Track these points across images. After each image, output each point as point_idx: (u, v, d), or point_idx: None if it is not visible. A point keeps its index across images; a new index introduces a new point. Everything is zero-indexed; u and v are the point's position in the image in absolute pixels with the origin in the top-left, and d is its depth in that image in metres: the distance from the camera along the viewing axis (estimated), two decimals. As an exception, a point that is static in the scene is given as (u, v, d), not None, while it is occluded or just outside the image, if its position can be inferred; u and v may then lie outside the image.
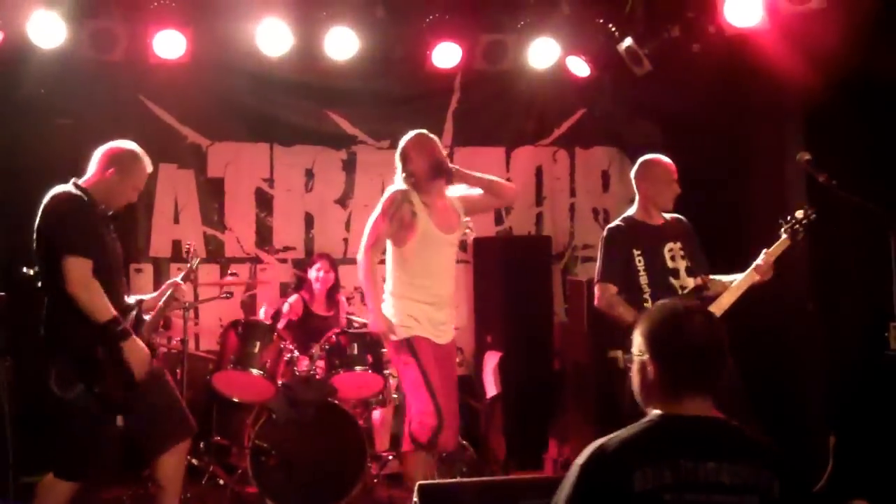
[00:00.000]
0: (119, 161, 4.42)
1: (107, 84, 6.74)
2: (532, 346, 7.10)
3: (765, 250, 4.91)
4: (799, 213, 4.88)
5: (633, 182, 5.21)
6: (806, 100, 5.75)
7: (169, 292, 4.58)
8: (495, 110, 7.68)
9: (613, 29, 6.44)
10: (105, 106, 6.80)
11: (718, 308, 4.84)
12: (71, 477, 4.27)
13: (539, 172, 7.89)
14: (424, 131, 5.10)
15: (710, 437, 2.39)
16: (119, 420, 4.22)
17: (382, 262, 5.08)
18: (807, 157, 4.88)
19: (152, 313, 4.49)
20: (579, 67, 6.88)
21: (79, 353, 4.13)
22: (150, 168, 4.57)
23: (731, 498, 2.30)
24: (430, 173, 4.90)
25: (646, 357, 2.48)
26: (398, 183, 5.00)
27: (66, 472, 4.26)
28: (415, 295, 4.89)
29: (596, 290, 5.08)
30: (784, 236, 4.89)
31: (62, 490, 4.24)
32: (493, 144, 7.84)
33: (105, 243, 4.26)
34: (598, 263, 5.15)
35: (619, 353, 5.82)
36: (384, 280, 5.12)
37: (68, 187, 4.30)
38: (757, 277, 4.87)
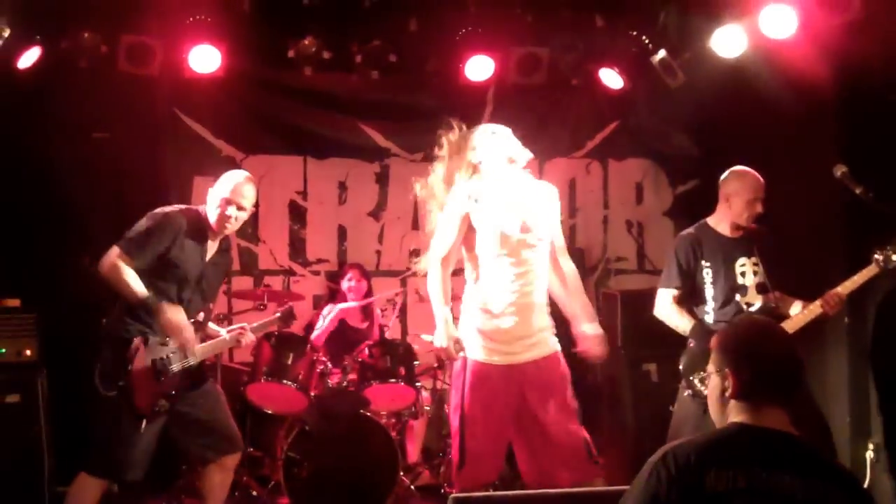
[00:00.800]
0: (217, 183, 4.55)
1: (142, 98, 6.80)
2: (566, 360, 7.04)
3: (842, 285, 4.71)
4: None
5: (720, 189, 4.99)
6: (842, 112, 5.69)
7: (233, 335, 4.73)
8: (528, 123, 7.63)
9: (647, 41, 6.42)
10: (141, 120, 6.87)
11: None
12: (101, 473, 4.35)
13: (572, 185, 7.86)
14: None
15: (786, 450, 2.43)
16: (142, 427, 4.24)
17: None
18: (843, 169, 4.79)
19: (210, 341, 4.65)
20: (612, 79, 6.87)
21: (107, 350, 4.28)
22: (248, 184, 4.58)
23: None
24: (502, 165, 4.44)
25: (725, 370, 2.53)
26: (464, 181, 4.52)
27: (96, 468, 4.34)
28: (481, 306, 4.36)
29: (657, 296, 4.98)
30: (874, 264, 4.65)
31: (92, 488, 4.31)
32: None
33: (179, 258, 4.37)
34: (664, 269, 5.04)
35: (653, 367, 5.80)
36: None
37: (183, 214, 4.49)
38: (823, 310, 4.70)
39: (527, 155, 4.40)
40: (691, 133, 7.33)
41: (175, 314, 4.29)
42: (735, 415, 2.52)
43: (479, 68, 6.71)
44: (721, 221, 4.98)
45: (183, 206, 4.53)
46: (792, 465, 2.38)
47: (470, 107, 7.53)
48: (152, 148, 7.07)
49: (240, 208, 4.48)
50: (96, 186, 6.69)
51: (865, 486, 5.39)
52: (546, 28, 6.67)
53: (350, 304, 6.71)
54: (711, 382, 2.59)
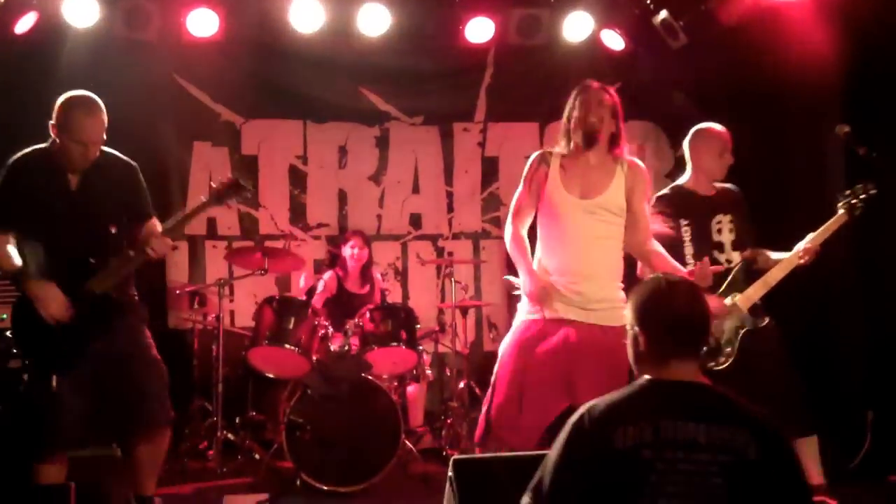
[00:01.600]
0: (56, 117, 4.18)
1: (141, 63, 6.76)
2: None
3: (811, 234, 4.75)
4: (858, 188, 4.71)
5: (686, 150, 5.03)
6: (844, 72, 5.66)
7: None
8: (529, 85, 7.62)
9: (649, 1, 6.38)
10: (139, 84, 6.83)
11: (764, 287, 4.76)
12: (40, 455, 4.11)
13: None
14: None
15: (692, 399, 2.53)
16: (54, 381, 4.01)
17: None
18: (846, 129, 4.77)
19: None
20: (614, 41, 6.82)
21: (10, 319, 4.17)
22: (92, 115, 4.18)
23: (707, 456, 2.42)
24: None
25: (636, 329, 2.66)
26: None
27: (34, 451, 4.12)
28: (547, 267, 4.19)
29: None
30: (841, 211, 4.72)
31: (47, 475, 4.08)
32: (527, 120, 7.80)
33: (37, 200, 4.12)
34: None
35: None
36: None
37: (26, 153, 4.24)
38: (802, 260, 4.74)
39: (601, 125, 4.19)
40: (693, 95, 7.29)
41: (40, 288, 4.04)
42: (647, 370, 2.63)
43: (479, 30, 6.68)
44: (694, 181, 5.01)
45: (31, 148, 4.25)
46: (698, 413, 2.47)
47: (470, 69, 7.54)
48: (151, 113, 7.04)
49: (87, 143, 4.15)
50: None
51: (866, 446, 5.46)
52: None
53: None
54: (629, 341, 2.70)
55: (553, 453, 2.56)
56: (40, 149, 4.23)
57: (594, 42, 6.87)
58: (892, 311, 5.56)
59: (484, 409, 4.17)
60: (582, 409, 2.56)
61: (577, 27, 6.69)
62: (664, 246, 4.51)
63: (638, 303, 2.68)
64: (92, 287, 4.10)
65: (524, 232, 4.27)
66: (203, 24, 6.37)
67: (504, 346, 4.18)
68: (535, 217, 4.30)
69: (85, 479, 4.11)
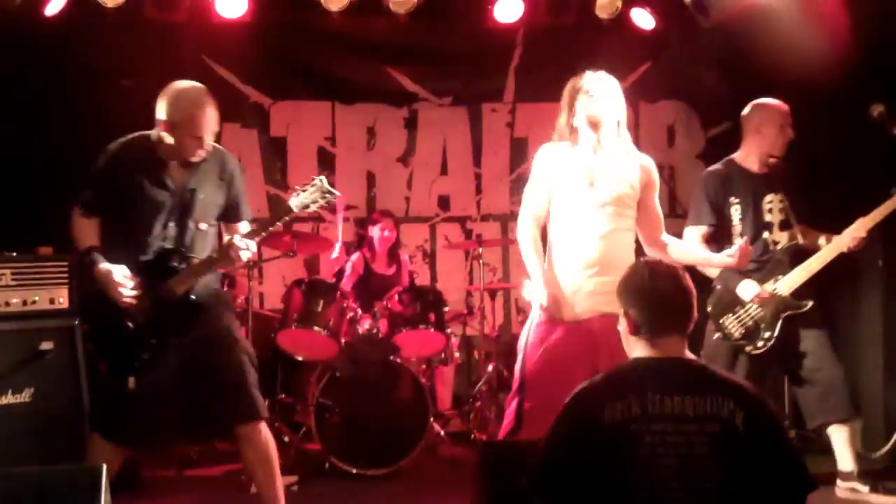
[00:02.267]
0: (168, 113, 4.03)
1: (170, 44, 6.76)
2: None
3: (860, 220, 4.69)
4: None
5: (743, 125, 4.98)
6: (878, 49, 5.55)
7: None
8: (558, 65, 7.49)
9: (679, -21, 6.30)
10: (168, 66, 6.78)
11: (807, 273, 4.72)
12: (106, 435, 4.03)
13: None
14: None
15: (677, 373, 2.65)
16: (131, 383, 3.87)
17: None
18: (880, 108, 4.70)
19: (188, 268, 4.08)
20: (644, 19, 6.75)
21: (83, 310, 4.13)
22: (204, 109, 4.06)
23: (694, 426, 2.52)
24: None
25: (623, 311, 2.81)
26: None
27: (101, 428, 4.07)
28: (563, 264, 4.14)
29: (685, 234, 4.90)
30: (894, 197, 4.63)
31: (104, 451, 3.95)
32: (556, 100, 7.56)
33: (135, 191, 3.99)
34: (692, 207, 5.00)
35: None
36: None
37: (132, 139, 4.16)
38: (850, 247, 4.71)
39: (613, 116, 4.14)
40: (723, 74, 7.20)
41: (107, 271, 3.91)
42: (635, 350, 2.77)
43: (508, 10, 6.64)
44: (748, 157, 4.96)
45: (132, 136, 4.15)
46: (685, 386, 2.59)
47: (499, 50, 7.48)
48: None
49: (199, 138, 4.05)
50: (125, 133, 6.67)
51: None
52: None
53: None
54: (620, 323, 2.85)
55: (548, 436, 2.68)
56: (143, 137, 4.11)
57: (624, 21, 6.80)
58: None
59: (511, 406, 4.11)
60: (573, 392, 2.69)
61: (606, 6, 6.62)
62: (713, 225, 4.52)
63: (622, 286, 2.83)
64: (172, 287, 3.97)
65: (538, 232, 4.23)
66: (232, 5, 6.37)
67: (527, 345, 4.12)
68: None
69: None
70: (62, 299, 5.16)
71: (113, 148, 4.11)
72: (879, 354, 5.74)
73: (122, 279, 3.91)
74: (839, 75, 5.78)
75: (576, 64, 7.36)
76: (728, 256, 4.20)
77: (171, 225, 4.05)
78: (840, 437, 4.80)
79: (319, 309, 5.68)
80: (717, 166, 4.98)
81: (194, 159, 4.05)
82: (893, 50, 5.38)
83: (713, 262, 4.46)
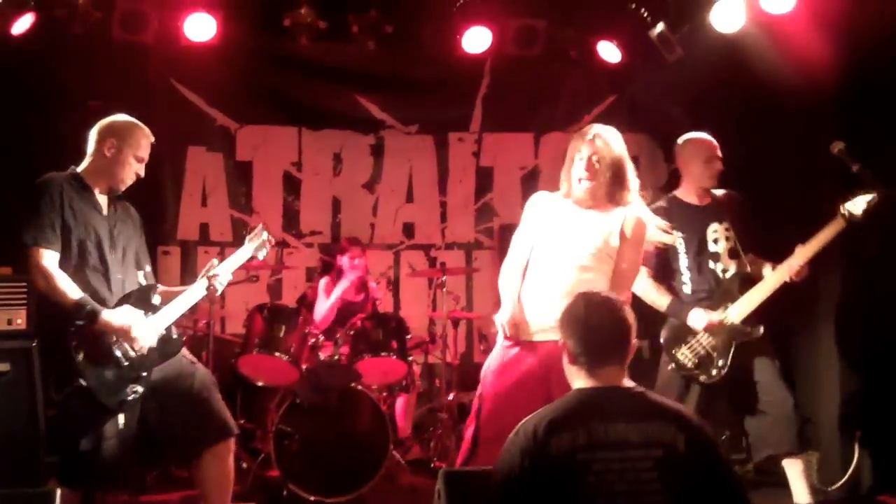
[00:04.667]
0: (116, 132, 4.17)
1: (137, 66, 6.76)
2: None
3: (801, 248, 4.75)
4: (860, 197, 4.64)
5: (677, 161, 5.10)
6: (839, 87, 5.66)
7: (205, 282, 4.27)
8: (525, 96, 7.62)
9: (645, 14, 6.37)
10: (136, 88, 6.82)
11: (756, 299, 4.76)
12: (72, 485, 3.88)
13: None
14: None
15: (617, 401, 2.73)
16: (121, 420, 3.88)
17: None
18: (840, 145, 4.77)
19: (176, 299, 4.19)
20: (610, 53, 6.83)
21: (59, 347, 3.90)
22: (150, 137, 4.26)
23: (640, 452, 2.60)
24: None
25: (563, 342, 2.89)
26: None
27: (66, 480, 3.92)
28: (530, 291, 4.21)
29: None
30: (839, 218, 4.68)
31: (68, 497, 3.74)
32: (523, 131, 7.80)
33: (86, 223, 4.01)
34: None
35: (645, 344, 5.79)
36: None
37: (56, 173, 4.10)
38: (788, 276, 4.75)
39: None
40: (688, 108, 7.29)
41: (121, 317, 3.92)
42: (576, 381, 2.84)
43: (476, 40, 6.67)
44: (688, 191, 5.05)
45: (52, 174, 4.10)
46: (626, 413, 2.67)
47: (467, 79, 7.54)
48: (147, 116, 6.91)
49: (141, 161, 4.20)
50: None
51: (853, 465, 5.44)
52: (544, 0, 6.62)
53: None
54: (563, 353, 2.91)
55: (497, 471, 2.73)
56: (67, 171, 4.14)
57: (591, 54, 6.86)
58: (884, 328, 5.54)
59: (468, 433, 4.16)
60: (518, 426, 2.75)
61: (573, 39, 6.68)
62: (658, 260, 4.53)
63: (561, 318, 2.91)
64: (162, 324, 4.06)
65: (520, 269, 4.27)
66: (200, 28, 6.35)
67: (487, 371, 4.20)
68: None
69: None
70: (20, 321, 5.10)
71: (46, 178, 4.07)
72: (836, 388, 5.79)
73: (142, 329, 3.95)
74: (804, 109, 5.88)
75: (542, 95, 7.56)
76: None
77: (123, 259, 4.12)
78: (794, 471, 4.82)
79: (281, 334, 5.66)
80: (658, 203, 5.04)
81: (116, 189, 4.16)
82: (861, 83, 5.48)
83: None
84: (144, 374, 3.98)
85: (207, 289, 4.21)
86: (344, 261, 6.77)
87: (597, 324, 2.82)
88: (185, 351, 4.21)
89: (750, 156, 6.36)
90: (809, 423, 5.27)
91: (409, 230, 7.72)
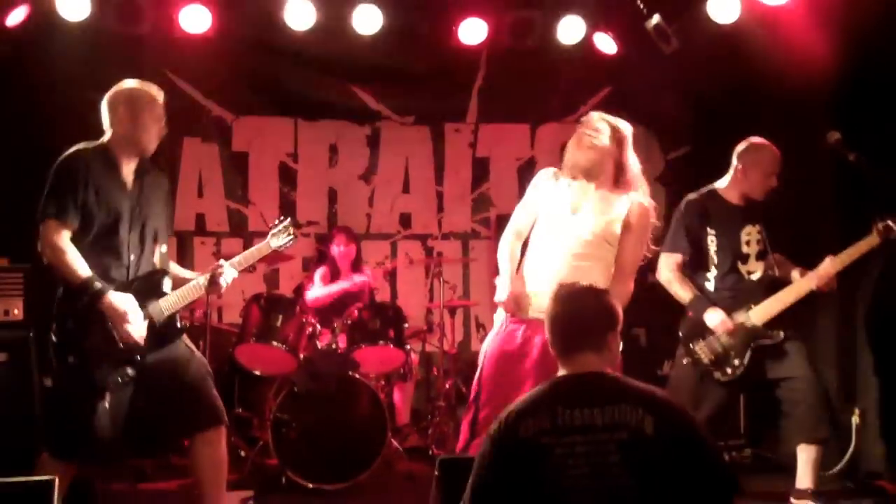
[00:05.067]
0: (126, 98, 4.08)
1: (133, 58, 6.72)
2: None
3: (832, 258, 4.73)
4: None
5: (735, 158, 4.95)
6: (835, 78, 5.67)
7: (208, 276, 4.19)
8: (521, 87, 7.62)
9: (641, 6, 6.38)
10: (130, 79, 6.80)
11: (779, 304, 4.74)
12: (62, 457, 3.92)
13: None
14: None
15: (586, 387, 2.76)
16: (107, 400, 3.86)
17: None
18: (836, 135, 4.76)
19: (178, 290, 4.14)
20: (606, 44, 6.84)
21: (57, 325, 3.90)
22: (160, 94, 4.16)
23: (603, 436, 2.63)
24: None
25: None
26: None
27: (57, 451, 3.94)
28: (530, 273, 4.22)
29: (660, 260, 4.89)
30: (874, 234, 4.65)
31: (58, 468, 3.78)
32: (519, 121, 7.82)
33: (108, 201, 3.94)
34: (668, 233, 4.95)
35: (642, 332, 5.81)
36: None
37: (80, 145, 4.04)
38: (816, 285, 4.74)
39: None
40: (684, 99, 7.31)
41: (121, 302, 3.88)
42: (560, 367, 2.89)
43: (472, 31, 6.68)
44: (731, 189, 4.95)
45: (78, 146, 4.04)
46: (592, 398, 2.70)
47: (463, 70, 7.54)
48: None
49: (159, 121, 4.12)
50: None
51: (851, 450, 5.47)
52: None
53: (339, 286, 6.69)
54: None
55: (477, 457, 2.80)
56: (95, 144, 4.06)
57: (587, 45, 6.87)
58: (875, 313, 5.57)
59: (467, 418, 4.17)
60: (498, 415, 2.82)
61: (569, 30, 6.69)
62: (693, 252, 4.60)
63: (546, 310, 2.97)
64: (163, 310, 4.04)
65: (518, 245, 4.29)
66: (195, 19, 6.35)
67: (486, 354, 4.19)
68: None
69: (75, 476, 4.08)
70: (17, 311, 5.13)
71: (67, 155, 3.99)
72: (834, 377, 5.81)
73: (136, 320, 3.91)
74: (801, 100, 5.90)
75: (538, 86, 7.57)
76: None
77: (142, 239, 4.07)
78: (809, 457, 4.77)
79: (278, 324, 5.67)
80: (696, 196, 4.97)
81: (139, 160, 4.08)
82: (857, 74, 5.50)
83: None
84: (139, 357, 3.96)
85: (211, 283, 4.15)
86: (334, 249, 6.80)
87: (564, 316, 2.89)
88: (185, 338, 4.20)
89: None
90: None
91: (405, 220, 7.73)
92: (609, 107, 7.47)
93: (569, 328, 2.88)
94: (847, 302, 5.74)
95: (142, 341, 3.94)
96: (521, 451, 2.67)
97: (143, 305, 3.98)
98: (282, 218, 4.63)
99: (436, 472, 3.36)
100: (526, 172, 7.54)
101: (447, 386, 6.59)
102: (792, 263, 4.92)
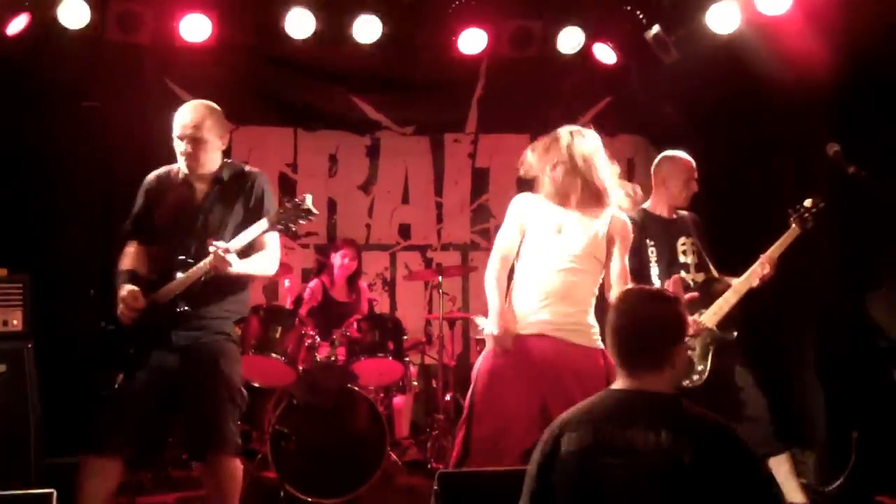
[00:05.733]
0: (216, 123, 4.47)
1: (133, 67, 6.74)
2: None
3: (763, 255, 4.85)
4: (808, 202, 4.83)
5: (653, 175, 5.16)
6: (835, 89, 5.67)
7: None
8: (521, 97, 7.62)
9: (641, 16, 6.38)
10: (131, 89, 6.81)
11: (725, 305, 4.80)
12: (97, 450, 4.00)
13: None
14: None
15: (637, 407, 2.62)
16: (119, 378, 4.06)
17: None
18: (835, 147, 4.78)
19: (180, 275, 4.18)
20: (606, 55, 6.83)
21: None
22: (178, 117, 4.31)
23: (644, 461, 2.50)
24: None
25: None
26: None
27: (91, 444, 4.03)
28: (521, 293, 4.24)
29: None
30: (793, 225, 4.83)
31: (101, 467, 3.99)
32: (518, 132, 7.78)
33: (160, 209, 4.30)
34: None
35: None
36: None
37: (159, 169, 4.46)
38: (758, 276, 4.81)
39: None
40: (684, 110, 7.30)
41: (123, 290, 4.12)
42: (617, 381, 2.74)
43: (471, 41, 6.67)
44: (658, 205, 5.11)
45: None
46: (641, 420, 2.56)
47: (462, 80, 7.54)
48: (142, 117, 7.01)
49: (180, 139, 4.27)
50: (85, 155, 6.65)
51: (850, 465, 5.44)
52: (540, 1, 6.62)
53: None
54: None
55: (530, 462, 2.74)
56: (170, 167, 4.41)
57: (586, 55, 6.87)
58: (876, 327, 5.55)
59: (459, 436, 4.16)
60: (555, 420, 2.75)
61: (569, 40, 6.68)
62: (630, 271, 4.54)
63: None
64: (163, 293, 4.11)
65: (504, 273, 4.30)
66: (196, 29, 6.34)
67: (478, 371, 4.20)
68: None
69: (71, 486, 4.06)
70: (16, 321, 5.11)
71: (144, 180, 4.42)
72: (831, 387, 5.79)
73: (131, 300, 4.09)
74: (800, 111, 5.89)
75: (538, 96, 7.56)
76: None
77: (188, 240, 4.20)
78: (782, 471, 4.83)
79: (277, 335, 5.64)
80: (632, 214, 5.04)
81: (205, 172, 4.32)
82: (856, 85, 5.49)
83: None
84: (140, 349, 4.10)
85: (204, 265, 4.08)
86: (335, 259, 6.80)
87: (624, 327, 2.73)
88: (224, 364, 4.16)
89: (745, 157, 6.39)
90: (802, 421, 5.28)
91: (405, 231, 7.72)
92: (609, 117, 7.61)
93: (629, 343, 2.71)
94: (838, 312, 5.75)
95: (126, 321, 4.09)
96: (562, 464, 2.61)
97: (154, 291, 4.14)
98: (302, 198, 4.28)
99: (435, 487, 3.34)
100: (526, 183, 7.53)
101: (446, 399, 6.58)
102: (726, 276, 5.00)
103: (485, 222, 7.77)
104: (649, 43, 6.40)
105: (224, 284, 4.17)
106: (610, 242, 4.25)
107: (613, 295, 4.17)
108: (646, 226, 4.98)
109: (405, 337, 6.10)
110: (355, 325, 5.94)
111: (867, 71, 5.42)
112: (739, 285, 4.83)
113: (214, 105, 4.46)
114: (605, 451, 2.55)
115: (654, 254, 4.97)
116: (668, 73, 6.63)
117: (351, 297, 6.82)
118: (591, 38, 6.72)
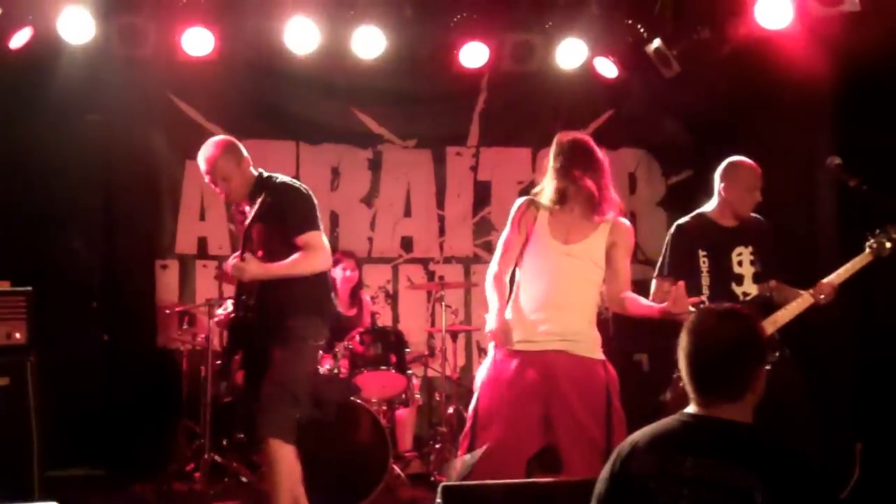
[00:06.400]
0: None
1: (135, 80, 6.77)
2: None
3: (831, 275, 4.66)
4: (890, 228, 4.57)
5: (716, 180, 4.92)
6: (836, 103, 5.68)
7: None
8: (522, 111, 7.65)
9: (642, 30, 6.41)
10: (133, 102, 6.84)
11: (773, 325, 4.70)
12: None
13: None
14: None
15: (708, 435, 2.46)
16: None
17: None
18: (837, 161, 4.75)
19: None
20: (607, 68, 6.85)
21: None
22: (199, 160, 4.69)
23: (710, 494, 2.37)
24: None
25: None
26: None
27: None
28: (524, 302, 4.24)
29: (652, 285, 4.88)
30: (867, 251, 4.60)
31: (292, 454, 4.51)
32: (520, 145, 7.82)
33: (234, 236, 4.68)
34: (661, 258, 4.95)
35: (644, 357, 5.79)
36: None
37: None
38: (815, 300, 4.65)
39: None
40: (685, 123, 7.32)
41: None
42: (691, 404, 2.56)
43: (473, 55, 6.69)
44: (718, 211, 4.92)
45: None
46: (712, 450, 2.41)
47: (464, 94, 7.56)
48: (144, 131, 7.06)
49: (209, 183, 4.73)
50: (88, 168, 6.67)
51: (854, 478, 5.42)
52: (541, 15, 6.64)
53: None
54: None
55: (599, 478, 2.64)
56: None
57: (588, 69, 6.89)
58: (882, 342, 5.55)
59: (463, 447, 4.16)
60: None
61: (570, 54, 6.70)
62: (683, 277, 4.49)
63: (680, 336, 2.59)
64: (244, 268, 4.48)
65: (507, 276, 4.31)
66: (198, 43, 6.36)
67: (481, 384, 4.19)
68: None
69: (73, 499, 4.07)
70: (18, 334, 5.10)
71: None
72: (835, 399, 5.79)
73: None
74: (801, 124, 5.90)
75: (539, 110, 7.58)
76: (664, 304, 4.22)
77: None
78: None
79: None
80: (686, 219, 4.96)
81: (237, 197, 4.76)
82: (857, 98, 5.51)
83: (655, 314, 4.33)
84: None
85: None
86: (336, 272, 6.78)
87: (697, 351, 2.53)
88: (278, 353, 4.50)
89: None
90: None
91: (407, 244, 7.73)
92: (611, 130, 7.62)
93: (704, 370, 2.51)
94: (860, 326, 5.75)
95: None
96: (628, 486, 2.51)
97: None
98: None
99: (438, 500, 3.33)
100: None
101: (449, 411, 6.57)
102: (790, 288, 4.89)
103: (487, 235, 7.77)
104: (650, 57, 6.42)
105: (272, 287, 4.59)
106: (610, 248, 4.24)
107: (620, 297, 4.25)
108: (699, 233, 4.85)
109: (408, 350, 6.10)
110: (358, 338, 5.94)
111: (868, 84, 5.44)
112: (788, 310, 4.66)
113: (219, 139, 4.74)
114: (672, 478, 2.43)
115: (706, 263, 4.82)
116: (669, 87, 6.65)
117: (353, 310, 6.82)
118: (593, 51, 6.74)
